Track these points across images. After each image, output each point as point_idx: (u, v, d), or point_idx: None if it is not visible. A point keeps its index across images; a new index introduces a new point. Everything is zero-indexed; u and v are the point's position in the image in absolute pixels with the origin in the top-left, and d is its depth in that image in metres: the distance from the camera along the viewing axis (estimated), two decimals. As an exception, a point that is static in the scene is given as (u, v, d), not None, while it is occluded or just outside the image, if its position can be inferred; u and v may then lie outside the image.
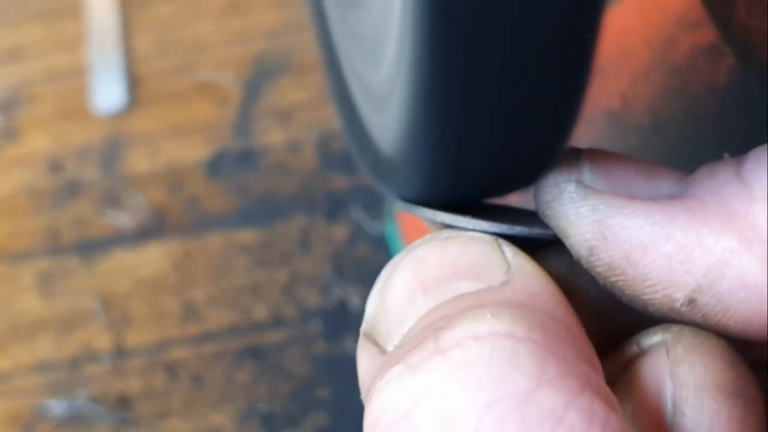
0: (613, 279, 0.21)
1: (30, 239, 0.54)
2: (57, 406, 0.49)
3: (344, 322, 0.50)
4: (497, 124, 0.20)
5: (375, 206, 0.53)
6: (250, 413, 0.48)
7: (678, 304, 0.20)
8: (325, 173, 0.54)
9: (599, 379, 0.19)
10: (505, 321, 0.19)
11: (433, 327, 0.20)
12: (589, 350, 0.20)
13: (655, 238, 0.20)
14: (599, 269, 0.21)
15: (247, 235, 0.53)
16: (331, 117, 0.55)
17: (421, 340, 0.19)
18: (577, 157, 0.22)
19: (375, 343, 0.21)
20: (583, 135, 0.22)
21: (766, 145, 0.21)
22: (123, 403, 0.49)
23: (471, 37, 0.18)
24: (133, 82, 0.58)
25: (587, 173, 0.21)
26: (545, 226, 0.22)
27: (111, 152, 0.56)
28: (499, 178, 0.22)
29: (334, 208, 0.53)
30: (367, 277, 0.51)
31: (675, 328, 0.21)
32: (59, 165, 0.56)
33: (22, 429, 0.49)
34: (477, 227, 0.21)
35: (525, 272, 0.21)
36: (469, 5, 0.18)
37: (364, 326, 0.21)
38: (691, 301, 0.20)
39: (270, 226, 0.53)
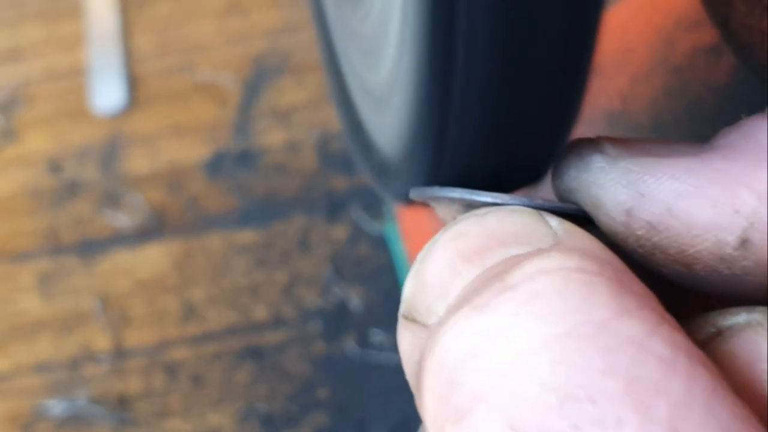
0: (655, 239, 0.20)
1: (30, 239, 0.54)
2: (57, 406, 0.49)
3: (344, 322, 0.50)
4: (496, 125, 0.20)
5: (375, 206, 0.53)
6: (250, 413, 0.48)
7: (730, 249, 0.19)
8: (325, 173, 0.54)
9: (673, 319, 0.18)
10: (575, 258, 0.18)
11: (492, 275, 0.18)
12: (656, 300, 0.19)
13: (698, 183, 0.20)
14: (639, 232, 0.20)
15: (247, 236, 0.53)
16: (330, 117, 0.55)
17: (482, 285, 0.18)
18: (594, 140, 0.21)
19: (415, 321, 0.20)
20: (582, 135, 0.22)
21: None
22: (122, 403, 0.49)
23: (471, 37, 0.18)
24: (133, 82, 0.58)
25: (609, 147, 0.21)
26: (571, 204, 0.21)
27: (110, 152, 0.56)
28: (498, 178, 0.22)
29: (334, 208, 0.53)
30: (366, 277, 0.51)
31: (760, 308, 0.20)
32: (59, 165, 0.56)
33: (22, 429, 0.49)
34: (516, 202, 0.21)
35: (575, 235, 0.20)
36: (468, 5, 0.18)
37: (402, 309, 0.20)
38: (744, 242, 0.19)
39: (269, 226, 0.53)
